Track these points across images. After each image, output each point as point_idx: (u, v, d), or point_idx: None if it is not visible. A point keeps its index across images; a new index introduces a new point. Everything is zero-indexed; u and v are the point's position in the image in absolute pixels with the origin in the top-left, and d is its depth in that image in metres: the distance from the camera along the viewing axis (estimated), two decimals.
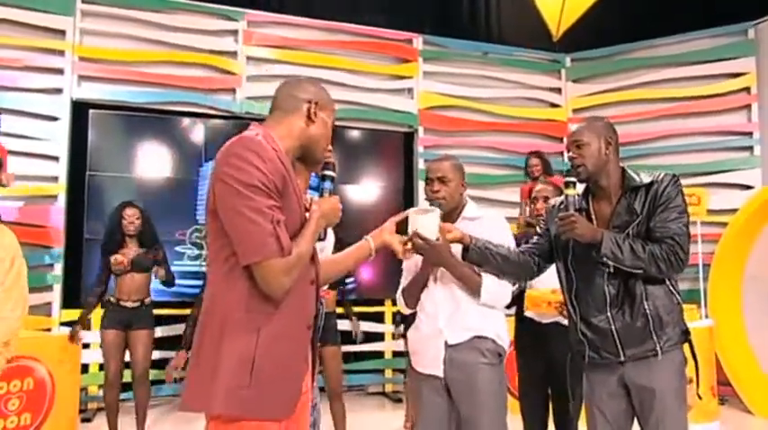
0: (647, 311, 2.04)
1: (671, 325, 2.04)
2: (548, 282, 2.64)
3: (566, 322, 2.39)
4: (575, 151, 2.16)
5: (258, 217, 1.43)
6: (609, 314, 2.08)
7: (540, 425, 2.89)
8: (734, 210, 5.58)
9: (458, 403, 2.27)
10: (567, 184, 2.13)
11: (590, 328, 2.12)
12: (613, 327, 2.07)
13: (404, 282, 2.46)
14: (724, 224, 5.57)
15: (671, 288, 2.09)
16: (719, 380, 4.99)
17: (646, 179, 2.11)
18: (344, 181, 6.05)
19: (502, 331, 2.34)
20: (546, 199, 2.99)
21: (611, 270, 2.08)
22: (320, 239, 1.67)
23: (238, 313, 1.48)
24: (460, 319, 2.28)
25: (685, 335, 2.08)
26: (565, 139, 6.58)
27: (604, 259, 2.03)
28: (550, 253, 2.33)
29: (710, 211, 5.70)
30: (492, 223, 2.41)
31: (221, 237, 1.49)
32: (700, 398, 2.11)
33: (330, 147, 2.15)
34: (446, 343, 2.27)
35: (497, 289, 2.29)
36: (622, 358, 2.07)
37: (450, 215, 2.39)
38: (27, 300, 2.31)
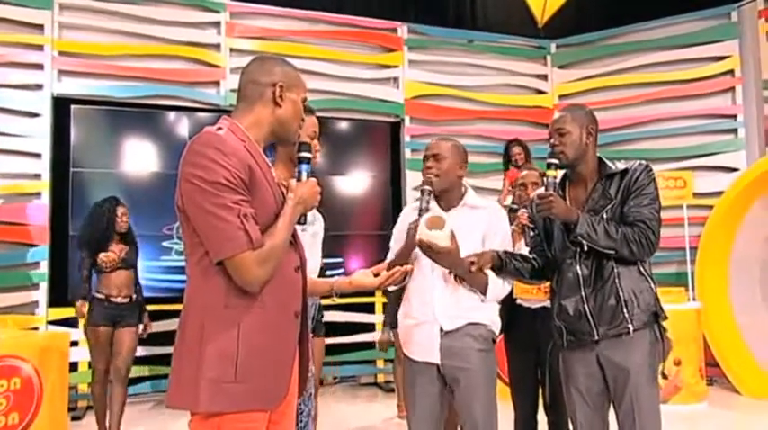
0: (619, 291, 2.11)
1: (642, 305, 2.12)
2: None
3: None
4: (557, 138, 2.23)
5: (224, 213, 1.42)
6: (582, 294, 2.17)
7: (530, 409, 2.90)
8: (719, 193, 5.61)
9: (452, 389, 2.29)
10: (549, 165, 2.20)
11: (566, 310, 2.19)
12: (587, 307, 2.15)
13: (390, 256, 2.44)
14: (710, 207, 5.60)
15: (642, 270, 2.17)
16: (707, 362, 5.05)
17: (620, 167, 2.22)
18: (332, 172, 6.03)
19: (495, 317, 2.38)
20: (534, 184, 2.99)
21: (585, 248, 2.15)
22: (300, 223, 1.63)
23: (217, 309, 1.47)
24: (456, 306, 2.29)
25: (656, 316, 2.15)
26: None
27: (579, 239, 2.11)
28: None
29: (696, 194, 5.74)
30: (494, 216, 2.41)
31: (194, 235, 1.49)
32: (665, 377, 2.20)
33: (317, 128, 2.11)
34: (441, 329, 2.28)
35: (501, 287, 2.35)
36: (596, 337, 2.13)
37: (450, 199, 2.39)
38: None
